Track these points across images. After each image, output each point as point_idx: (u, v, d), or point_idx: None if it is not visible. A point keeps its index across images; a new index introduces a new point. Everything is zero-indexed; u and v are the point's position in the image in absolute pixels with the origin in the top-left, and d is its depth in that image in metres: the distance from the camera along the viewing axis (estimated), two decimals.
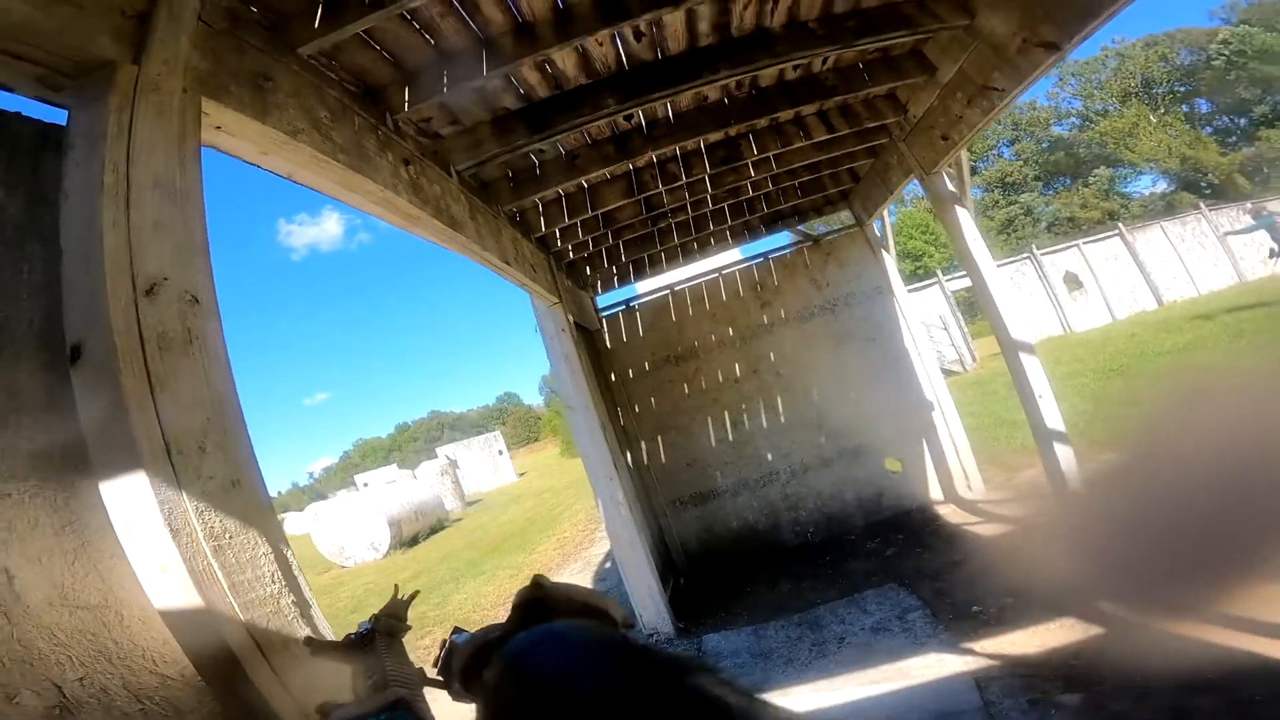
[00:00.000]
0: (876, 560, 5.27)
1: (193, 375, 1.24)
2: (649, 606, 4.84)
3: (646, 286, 7.06)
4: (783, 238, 6.96)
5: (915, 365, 6.57)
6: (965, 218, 4.79)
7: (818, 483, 6.51)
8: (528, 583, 0.89)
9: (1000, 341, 4.71)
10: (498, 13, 2.56)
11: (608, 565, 7.89)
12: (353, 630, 1.21)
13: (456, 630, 1.14)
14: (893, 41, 3.56)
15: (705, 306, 6.77)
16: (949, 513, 5.93)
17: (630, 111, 3.44)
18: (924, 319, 15.91)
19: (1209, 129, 34.21)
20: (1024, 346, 4.59)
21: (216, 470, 1.22)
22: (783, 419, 6.63)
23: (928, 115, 4.45)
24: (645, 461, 6.67)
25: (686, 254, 6.62)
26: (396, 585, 1.40)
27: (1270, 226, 12.92)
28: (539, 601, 0.87)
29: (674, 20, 2.97)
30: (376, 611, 1.25)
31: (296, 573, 1.32)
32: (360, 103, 2.52)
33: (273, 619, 1.22)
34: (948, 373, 15.28)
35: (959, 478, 6.38)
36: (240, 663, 1.14)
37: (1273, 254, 13.56)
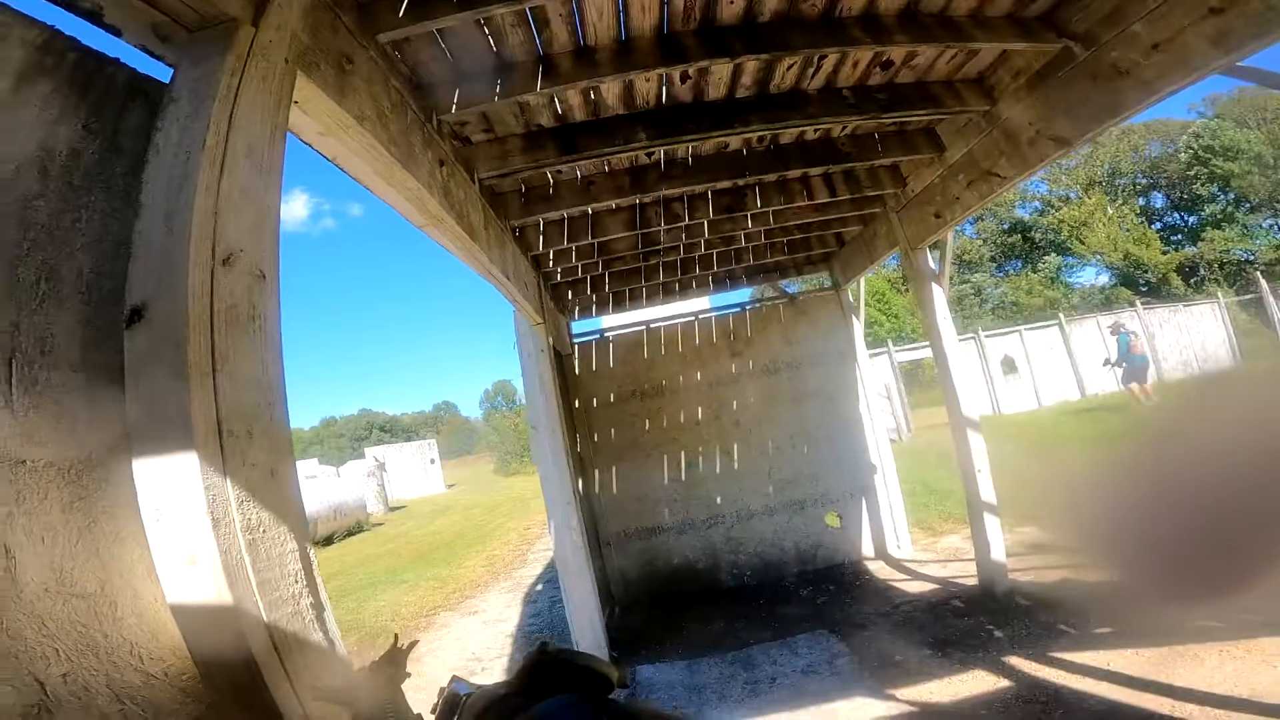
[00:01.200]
0: (809, 607, 5.45)
1: (251, 354, 1.17)
2: (587, 633, 4.77)
3: (623, 319, 7.12)
4: (760, 290, 7.14)
5: (866, 429, 6.84)
6: (940, 296, 5.03)
7: (761, 529, 6.67)
8: (535, 647, 0.96)
9: (951, 415, 4.96)
10: (564, 32, 2.59)
11: (539, 588, 7.83)
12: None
13: (456, 680, 1.16)
14: (913, 118, 3.75)
15: (678, 348, 6.87)
16: (878, 568, 6.21)
17: (655, 149, 3.50)
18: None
19: (1158, 224, 35.81)
20: (972, 423, 4.88)
21: (260, 458, 1.15)
22: (736, 465, 6.77)
23: (925, 191, 4.68)
24: (596, 490, 6.66)
25: (668, 293, 6.75)
26: (396, 635, 1.34)
27: (1123, 342, 14.03)
28: (546, 664, 0.96)
29: (721, 70, 3.06)
30: (376, 659, 1.20)
31: (316, 574, 1.24)
32: (414, 97, 2.49)
33: (293, 621, 1.14)
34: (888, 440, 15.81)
35: (890, 537, 6.67)
36: (259, 666, 1.05)
37: (1107, 363, 14.73)
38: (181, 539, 1.04)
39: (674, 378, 6.82)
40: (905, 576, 5.80)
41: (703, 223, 4.81)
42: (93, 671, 1.01)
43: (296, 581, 1.18)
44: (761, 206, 4.68)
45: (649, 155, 3.84)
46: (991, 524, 4.77)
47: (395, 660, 1.29)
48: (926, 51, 3.23)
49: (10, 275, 1.04)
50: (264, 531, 1.12)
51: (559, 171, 3.82)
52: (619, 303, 6.73)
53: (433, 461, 31.83)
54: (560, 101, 3.11)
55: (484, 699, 1.06)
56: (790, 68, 3.18)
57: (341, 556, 13.07)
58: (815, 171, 4.57)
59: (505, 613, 6.97)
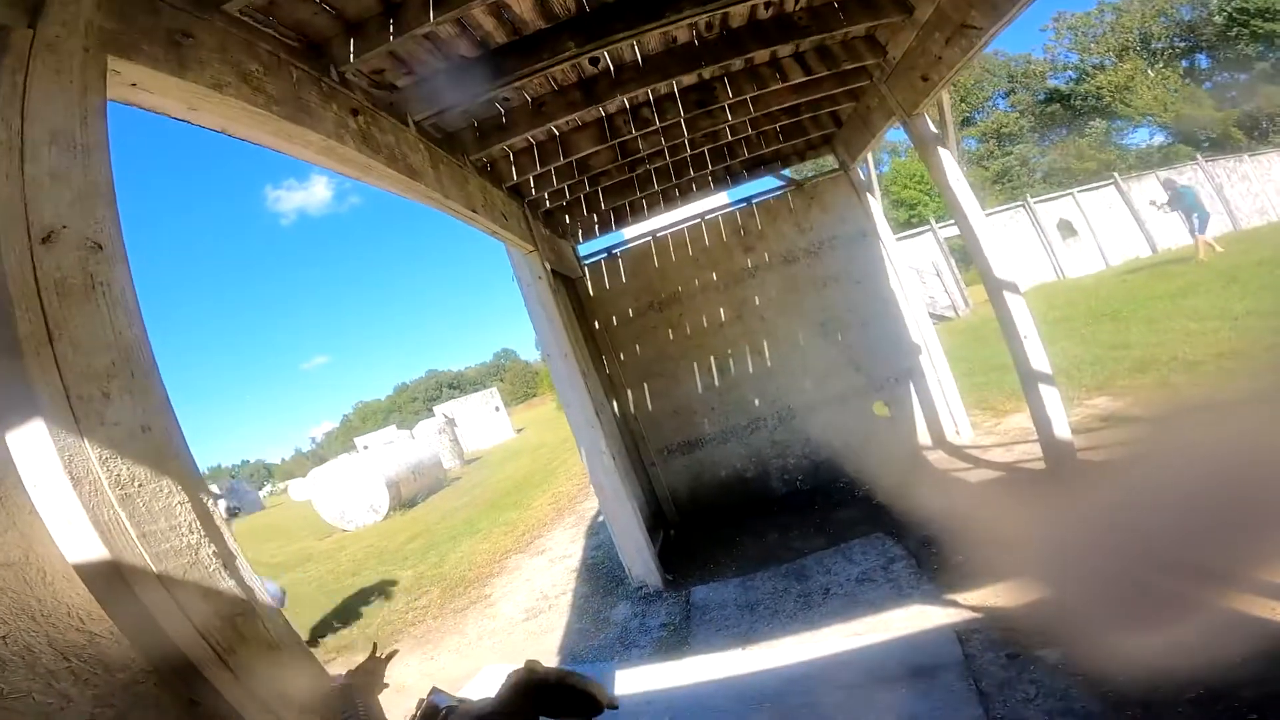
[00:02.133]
0: (865, 508, 5.28)
1: (95, 320, 1.21)
2: (637, 561, 4.87)
3: (629, 233, 6.98)
4: (766, 182, 6.84)
5: (903, 309, 6.54)
6: (949, 159, 4.67)
7: (805, 429, 6.51)
8: (521, 666, 1.00)
9: (985, 282, 4.64)
10: None
11: (600, 520, 7.86)
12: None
13: (436, 692, 1.17)
14: None
15: (688, 252, 6.69)
16: (937, 459, 5.93)
17: (594, 54, 3.31)
18: (916, 265, 15.79)
19: (1209, 84, 33.43)
20: (1009, 286, 4.53)
21: (123, 416, 1.20)
22: (768, 364, 6.62)
23: (907, 56, 4.30)
24: (632, 410, 6.67)
25: (668, 200, 6.53)
26: (375, 644, 1.40)
27: (1189, 195, 12.93)
28: (534, 685, 1.01)
29: None
30: (354, 668, 1.25)
31: (219, 523, 1.30)
32: (301, 56, 2.43)
33: (190, 570, 1.20)
34: (940, 319, 15.26)
35: (947, 423, 6.39)
36: (154, 615, 1.13)
37: (1155, 205, 13.42)
38: (54, 502, 1.11)
39: (689, 282, 6.66)
40: (967, 465, 5.50)
41: (678, 122, 4.58)
42: (32, 633, 1.09)
43: (192, 531, 1.23)
44: (736, 96, 4.42)
45: (593, 63, 3.63)
46: (1050, 396, 4.34)
47: (373, 669, 1.34)
48: None
49: None
50: (139, 486, 1.17)
51: (505, 99, 3.68)
52: (620, 219, 6.56)
53: (498, 409, 32.91)
54: (473, 27, 2.95)
55: (465, 717, 1.10)
56: None
57: (425, 515, 13.89)
58: (783, 52, 4.25)
59: (570, 548, 7.10)
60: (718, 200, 7.16)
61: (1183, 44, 33.33)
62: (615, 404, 6.50)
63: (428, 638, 5.69)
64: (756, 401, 6.63)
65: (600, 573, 5.82)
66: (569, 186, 5.18)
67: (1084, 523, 3.34)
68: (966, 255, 20.42)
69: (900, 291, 6.54)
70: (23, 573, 1.13)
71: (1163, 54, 33.46)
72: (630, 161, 5.12)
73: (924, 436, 6.41)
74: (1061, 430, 4.35)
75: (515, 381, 62.12)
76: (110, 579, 1.11)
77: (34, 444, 1.09)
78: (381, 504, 15.55)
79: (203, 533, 1.24)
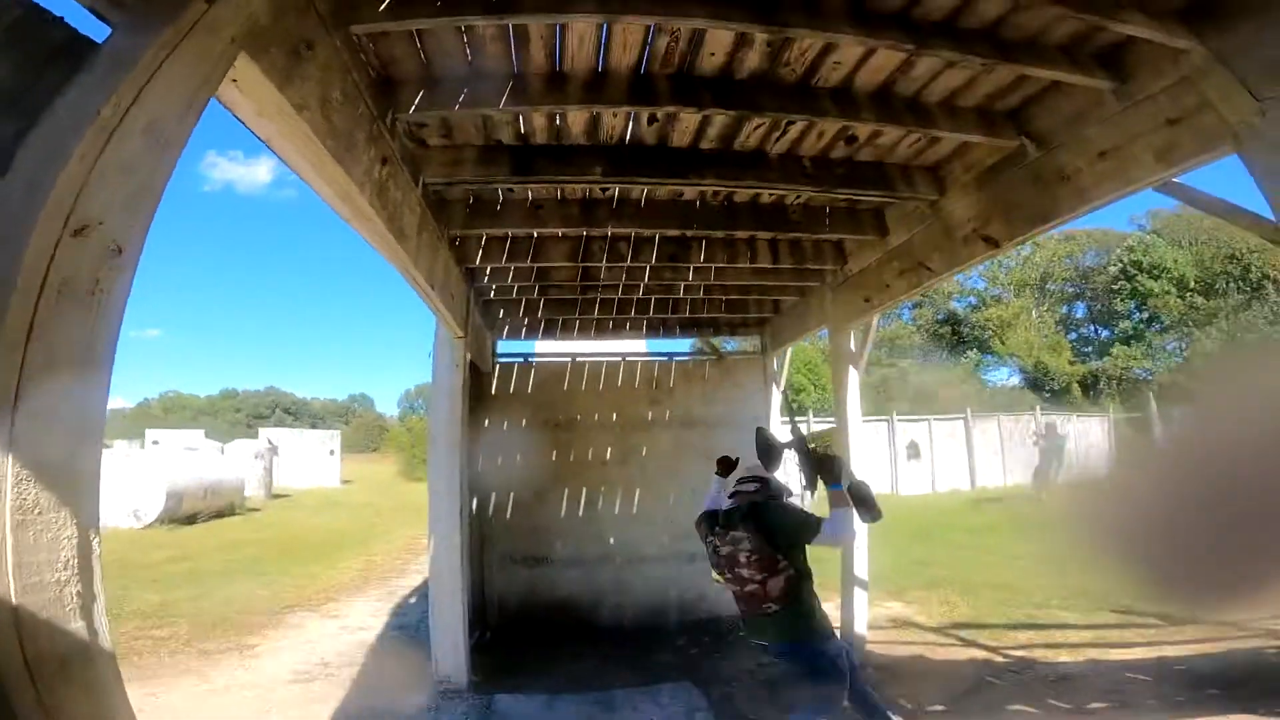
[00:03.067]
0: (681, 657, 5.50)
1: (78, 329, 1.07)
2: (449, 655, 4.60)
3: (549, 347, 7.05)
4: (680, 344, 7.24)
5: None
6: (854, 378, 5.24)
7: (649, 574, 6.63)
8: None
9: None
10: (541, 54, 2.56)
11: (412, 601, 7.57)
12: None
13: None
14: (866, 197, 3.85)
15: (599, 386, 6.84)
16: None
17: (611, 186, 3.49)
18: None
19: (1074, 334, 37.16)
20: None
21: (58, 439, 1.05)
22: (635, 510, 6.74)
23: (861, 274, 4.80)
24: (490, 512, 6.50)
25: (599, 330, 6.76)
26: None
27: (1060, 443, 15.49)
28: None
29: (689, 119, 3.08)
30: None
31: (94, 563, 1.14)
32: (372, 91, 2.41)
33: (49, 607, 1.03)
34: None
35: None
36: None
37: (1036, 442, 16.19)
38: None
39: (590, 414, 6.77)
40: None
41: (645, 267, 4.82)
42: None
43: (65, 568, 1.08)
44: (705, 261, 4.72)
45: (603, 190, 3.83)
46: (860, 598, 4.99)
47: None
48: (891, 133, 3.28)
49: None
50: (39, 514, 1.02)
51: (510, 190, 3.76)
52: (549, 330, 6.69)
53: (332, 452, 30.22)
54: (524, 121, 3.07)
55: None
56: (758, 128, 3.23)
57: (201, 538, 12.12)
58: (763, 235, 4.60)
59: (369, 621, 6.64)
60: (639, 345, 7.45)
61: (1071, 289, 36.89)
62: (475, 500, 6.24)
63: (155, 673, 4.93)
64: (612, 540, 6.69)
65: (399, 656, 5.53)
66: (519, 286, 5.22)
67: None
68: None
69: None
70: None
71: (1051, 295, 36.87)
72: (586, 284, 5.27)
73: None
74: (861, 626, 5.00)
75: (361, 430, 57.68)
76: None
77: None
78: (150, 511, 13.32)
79: (76, 571, 1.09)
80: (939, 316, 37.65)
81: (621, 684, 4.76)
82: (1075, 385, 32.86)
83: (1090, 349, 36.29)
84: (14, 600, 0.96)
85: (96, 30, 1.14)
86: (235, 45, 1.37)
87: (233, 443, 24.42)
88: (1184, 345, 31.53)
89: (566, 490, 6.63)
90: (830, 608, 6.33)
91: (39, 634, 0.99)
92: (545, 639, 5.89)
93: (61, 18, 1.11)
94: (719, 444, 6.76)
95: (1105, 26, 2.31)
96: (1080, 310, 37.85)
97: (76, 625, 1.06)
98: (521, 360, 6.82)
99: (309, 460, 28.94)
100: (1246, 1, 2.16)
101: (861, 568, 4.99)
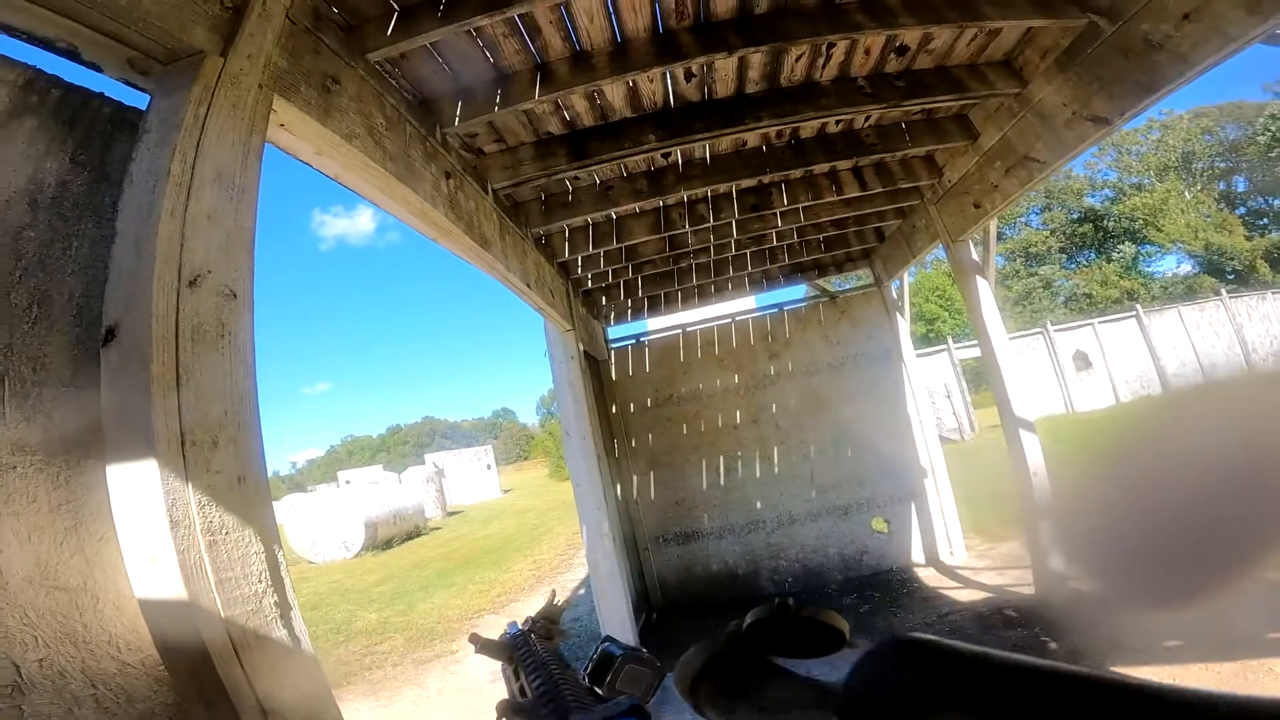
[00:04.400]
0: (852, 616, 5.28)
1: (218, 368, 1.24)
2: (619, 638, 4.77)
3: (658, 323, 7.11)
4: (799, 290, 7.02)
5: (916, 431, 6.58)
6: (985, 290, 4.82)
7: (802, 535, 6.52)
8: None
9: (1003, 416, 4.73)
10: (557, 39, 2.62)
11: (581, 592, 7.93)
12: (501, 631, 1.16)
13: (609, 640, 1.07)
14: (939, 104, 3.61)
15: (714, 351, 6.80)
16: (929, 576, 6.01)
17: (669, 149, 3.49)
18: (929, 385, 15.92)
19: (1242, 209, 33.07)
20: (1025, 424, 4.62)
21: (225, 465, 1.22)
22: (776, 470, 6.65)
23: (962, 181, 4.48)
24: (634, 495, 6.66)
25: (702, 296, 6.69)
26: (553, 591, 1.38)
27: None
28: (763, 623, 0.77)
29: (725, 65, 3.03)
30: (533, 615, 1.23)
31: (284, 574, 1.31)
32: (414, 112, 2.56)
33: (252, 618, 1.20)
34: (946, 440, 15.20)
35: (943, 543, 6.41)
36: (214, 658, 1.12)
37: None
38: (144, 539, 1.10)
39: (711, 381, 6.76)
40: (957, 584, 5.60)
41: (730, 222, 4.76)
42: (69, 658, 1.09)
43: (260, 581, 1.24)
44: (789, 204, 4.59)
45: (665, 156, 3.82)
46: (1049, 530, 4.52)
47: (551, 616, 1.33)
48: (943, 34, 3.08)
49: (4, 301, 1.13)
50: (226, 534, 1.18)
51: (576, 178, 3.85)
52: (654, 307, 6.73)
53: (489, 467, 32.55)
54: (566, 108, 3.14)
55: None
56: (799, 59, 3.11)
57: (398, 560, 13.53)
58: (843, 165, 4.42)
59: None
60: (749, 302, 7.34)
61: (1223, 165, 33.20)
62: (619, 487, 6.46)
63: (383, 685, 5.54)
64: (758, 504, 6.64)
65: (579, 647, 5.72)
66: (613, 270, 5.32)
67: None
68: (978, 378, 20.66)
69: (916, 415, 6.60)
70: (77, 599, 1.15)
71: (1202, 174, 33.27)
72: (676, 254, 5.28)
73: (918, 554, 6.44)
74: (1057, 560, 4.34)
75: (509, 442, 61.68)
76: (179, 618, 1.11)
77: (141, 482, 1.10)
78: (355, 541, 15.11)
79: (269, 583, 1.25)
80: (1073, 215, 33.83)
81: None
82: (1260, 261, 28.23)
83: (1265, 221, 31.55)
84: (222, 613, 1.12)
85: (135, 99, 1.30)
86: (265, 90, 1.48)
87: (406, 471, 26.97)
88: None
89: (704, 461, 6.67)
90: (1014, 545, 6.10)
91: (249, 643, 1.14)
92: (710, 613, 5.93)
93: (102, 93, 1.28)
94: (849, 386, 6.59)
95: None
96: (1241, 184, 33.15)
97: (280, 633, 1.22)
98: (633, 341, 6.93)
99: (471, 476, 31.40)
100: None
101: (1044, 496, 4.43)
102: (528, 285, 3.69)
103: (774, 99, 3.32)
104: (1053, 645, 3.98)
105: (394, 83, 2.44)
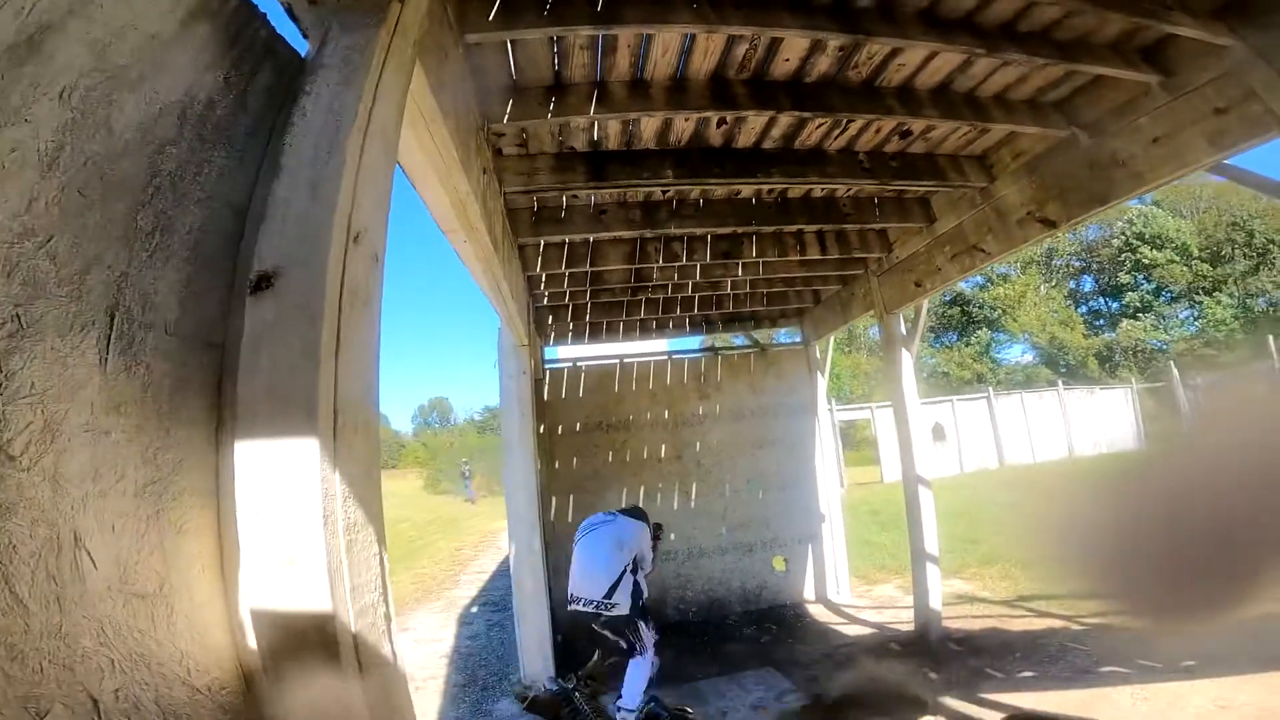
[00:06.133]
0: (753, 645, 5.58)
1: (365, 339, 1.10)
2: (535, 657, 4.70)
3: (596, 351, 7.12)
4: (702, 338, 7.32)
5: (820, 481, 7.05)
6: (907, 361, 5.26)
7: (710, 568, 6.74)
8: None
9: (905, 472, 5.24)
10: (625, 63, 2.62)
11: (473, 610, 7.63)
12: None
13: (654, 699, 1.07)
14: (916, 187, 3.94)
15: (648, 385, 6.90)
16: (819, 611, 6.44)
17: (674, 187, 3.55)
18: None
19: (1084, 308, 36.60)
20: (923, 480, 5.17)
21: (361, 452, 1.07)
22: (693, 505, 6.83)
23: (909, 259, 4.86)
24: (551, 517, 6.53)
25: (644, 330, 6.82)
26: (598, 651, 1.27)
27: None
28: None
29: (756, 121, 3.16)
30: (578, 672, 1.12)
31: (389, 581, 1.15)
32: (476, 100, 2.46)
33: (371, 631, 1.03)
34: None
35: (831, 582, 6.88)
36: (338, 681, 0.95)
37: None
38: (281, 536, 0.94)
39: (642, 413, 6.85)
40: (844, 620, 6.03)
41: (697, 265, 4.87)
42: (144, 685, 0.87)
43: (375, 589, 1.08)
44: (755, 256, 4.79)
45: (664, 192, 3.88)
46: (932, 573, 5.08)
47: (594, 673, 1.20)
48: (944, 126, 3.39)
49: (130, 221, 0.94)
50: (359, 532, 1.04)
51: (575, 197, 3.81)
52: (596, 333, 6.76)
53: None
54: (599, 127, 3.13)
55: None
56: (819, 127, 3.31)
57: None
58: (812, 228, 4.68)
59: (440, 633, 6.69)
60: (685, 342, 7.55)
61: (1078, 264, 36.60)
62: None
63: None
64: (672, 536, 6.74)
65: (478, 664, 5.58)
66: (572, 291, 5.27)
67: None
68: (848, 438, 22.12)
69: (821, 465, 7.08)
70: (153, 607, 0.93)
71: (1058, 271, 36.65)
72: (637, 285, 5.33)
73: (809, 591, 6.87)
74: (935, 601, 5.05)
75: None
76: (312, 633, 0.94)
77: (292, 468, 0.95)
78: None
79: (382, 591, 1.10)
80: (945, 298, 37.25)
81: (703, 675, 4.83)
82: (1091, 359, 32.48)
83: (1102, 322, 35.69)
84: (353, 625, 0.96)
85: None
86: (415, 49, 1.39)
87: None
88: (1196, 313, 31.16)
89: (625, 490, 6.68)
90: (891, 589, 6.80)
91: (368, 659, 1.00)
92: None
93: (265, 14, 1.14)
94: (769, 434, 6.89)
95: (1151, 26, 2.50)
96: (1088, 283, 37.35)
97: (388, 649, 1.07)
98: (570, 365, 6.88)
99: None
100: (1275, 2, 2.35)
101: (931, 543, 5.07)
102: (511, 295, 3.58)
103: (787, 158, 3.50)
104: (933, 675, 4.35)
105: (473, 66, 2.33)
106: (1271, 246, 28.97)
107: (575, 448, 6.65)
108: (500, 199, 3.12)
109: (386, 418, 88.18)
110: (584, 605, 4.07)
